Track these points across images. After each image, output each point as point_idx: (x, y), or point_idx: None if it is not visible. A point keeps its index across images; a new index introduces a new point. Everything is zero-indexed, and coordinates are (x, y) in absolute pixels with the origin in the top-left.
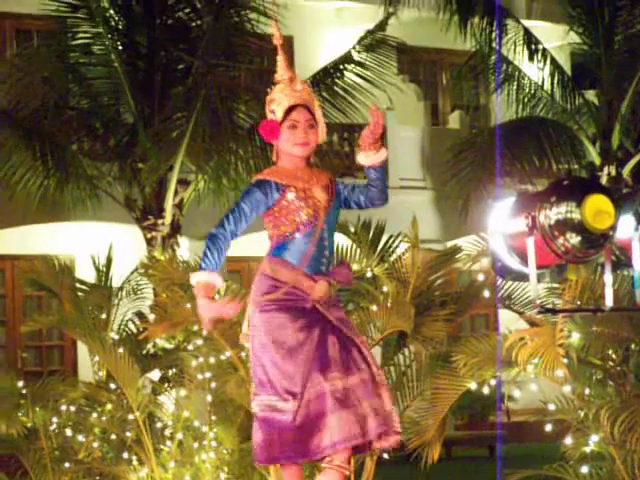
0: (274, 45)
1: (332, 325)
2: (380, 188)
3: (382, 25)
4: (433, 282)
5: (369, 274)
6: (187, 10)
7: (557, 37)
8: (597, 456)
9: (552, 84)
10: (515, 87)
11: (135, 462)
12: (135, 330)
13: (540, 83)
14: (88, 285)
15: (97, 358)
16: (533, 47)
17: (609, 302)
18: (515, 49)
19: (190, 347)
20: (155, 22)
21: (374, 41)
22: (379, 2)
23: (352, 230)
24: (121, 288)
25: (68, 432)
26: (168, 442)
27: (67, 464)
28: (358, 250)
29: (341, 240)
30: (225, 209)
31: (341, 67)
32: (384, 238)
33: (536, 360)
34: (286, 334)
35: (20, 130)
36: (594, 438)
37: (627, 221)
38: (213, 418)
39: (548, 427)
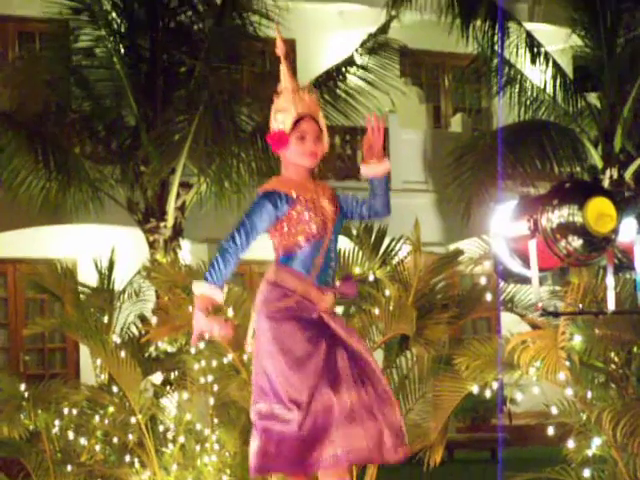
0: (277, 51)
1: (338, 337)
2: (383, 200)
3: (384, 28)
4: (435, 285)
5: (371, 277)
6: (189, 13)
7: (559, 40)
8: (599, 459)
9: (554, 87)
10: (517, 90)
11: (137, 465)
12: (137, 333)
13: (542, 86)
14: (90, 288)
15: (99, 361)
16: (535, 50)
17: (611, 305)
18: (517, 52)
19: (192, 350)
20: (157, 25)
21: (376, 44)
22: (382, 5)
23: (354, 233)
24: (123, 291)
25: (70, 435)
26: (170, 445)
27: (69, 467)
28: (360, 253)
29: (343, 243)
30: (227, 212)
31: (343, 70)
32: (386, 241)
33: (538, 363)
34: (295, 343)
35: (22, 133)
36: (596, 441)
37: (629, 224)
38: (215, 421)
39: (550, 430)
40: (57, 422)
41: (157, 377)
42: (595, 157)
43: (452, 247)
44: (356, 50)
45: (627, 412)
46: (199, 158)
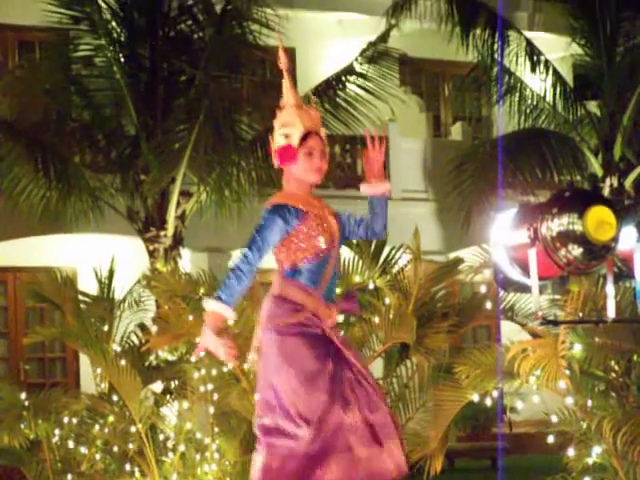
0: (277, 59)
1: (342, 356)
2: (382, 220)
3: (384, 37)
4: (435, 294)
5: (371, 286)
6: (189, 22)
7: (559, 48)
8: (599, 468)
9: (554, 95)
10: (517, 98)
11: (137, 474)
12: (137, 342)
13: (542, 94)
14: (90, 297)
15: (99, 370)
16: (535, 58)
17: (611, 314)
18: (517, 60)
19: (192, 359)
20: (157, 34)
21: (376, 53)
22: (381, 14)
23: (354, 242)
24: (123, 300)
25: (70, 444)
26: (170, 454)
27: (69, 476)
28: (360, 262)
29: (343, 252)
30: (227, 221)
31: (343, 79)
32: (386, 250)
33: (538, 372)
34: (304, 359)
35: (22, 142)
36: (596, 450)
37: (629, 232)
38: (215, 430)
39: (550, 439)
40: (57, 431)
41: (157, 386)
42: (595, 165)
43: (452, 256)
44: (356, 59)
45: (627, 420)
46: (199, 167)
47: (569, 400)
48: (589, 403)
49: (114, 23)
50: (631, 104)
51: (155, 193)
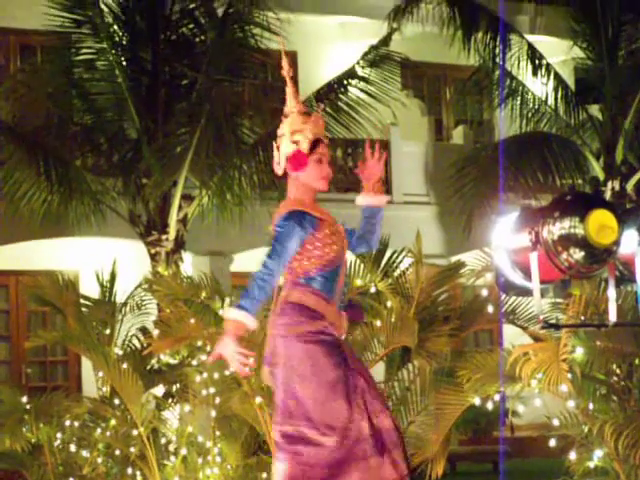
0: (278, 62)
1: (352, 364)
2: (377, 232)
3: (386, 40)
4: (437, 297)
5: (373, 289)
6: (191, 26)
7: (561, 52)
8: (601, 471)
9: (556, 99)
10: (519, 102)
11: (139, 477)
12: (139, 345)
13: (544, 98)
14: (92, 301)
15: (101, 374)
16: (537, 62)
17: (613, 317)
18: (519, 64)
19: (194, 362)
20: (159, 37)
21: (378, 56)
22: (383, 17)
23: None
24: (125, 303)
25: (72, 447)
26: (172, 457)
27: (71, 479)
28: (362, 265)
29: None
30: (229, 224)
31: (345, 82)
32: (388, 253)
33: (540, 375)
34: (326, 367)
35: (24, 145)
36: (598, 453)
37: (631, 236)
38: (217, 433)
39: (552, 442)
40: (59, 435)
41: (159, 390)
42: (597, 169)
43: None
44: (357, 62)
45: (629, 424)
46: (201, 170)
47: (571, 404)
48: (591, 407)
49: (116, 27)
50: (633, 107)
51: (157, 196)
